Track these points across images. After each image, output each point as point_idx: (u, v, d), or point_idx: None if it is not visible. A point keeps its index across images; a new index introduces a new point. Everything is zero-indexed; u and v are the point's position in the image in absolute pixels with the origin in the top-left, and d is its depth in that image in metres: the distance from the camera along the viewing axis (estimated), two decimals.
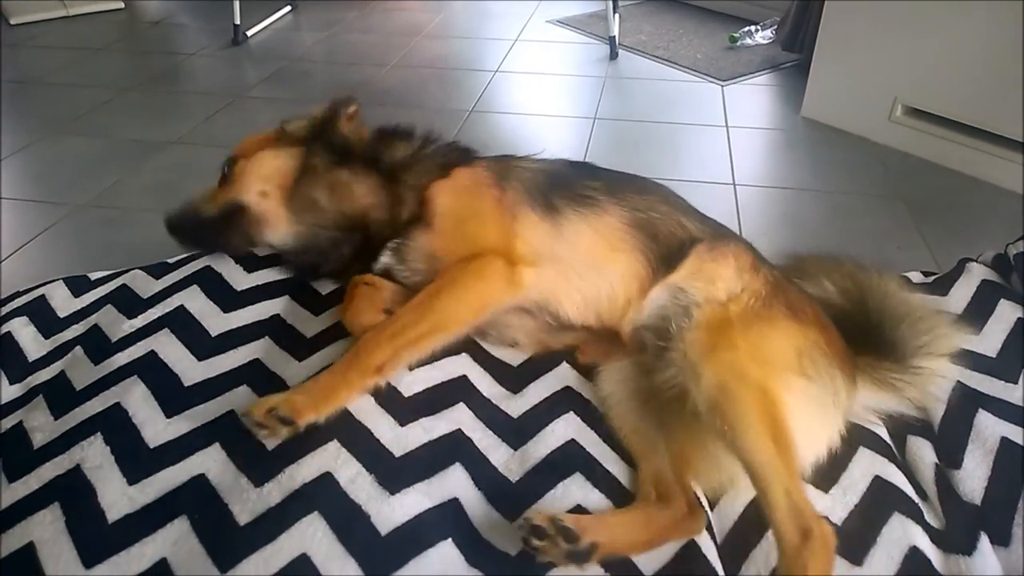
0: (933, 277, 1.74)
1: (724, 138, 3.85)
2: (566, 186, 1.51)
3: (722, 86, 4.44)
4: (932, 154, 3.53)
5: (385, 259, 1.50)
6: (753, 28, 4.89)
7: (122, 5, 5.98)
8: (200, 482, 1.15)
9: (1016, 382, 1.40)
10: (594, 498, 1.21)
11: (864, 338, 1.39)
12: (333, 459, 1.18)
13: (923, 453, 1.32)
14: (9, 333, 1.55)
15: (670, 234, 1.46)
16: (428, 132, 1.67)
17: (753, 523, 1.25)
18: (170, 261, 1.70)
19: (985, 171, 3.36)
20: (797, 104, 4.10)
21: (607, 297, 1.44)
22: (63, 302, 1.66)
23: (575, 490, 1.21)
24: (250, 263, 1.62)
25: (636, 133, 4.03)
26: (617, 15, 4.85)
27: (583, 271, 1.43)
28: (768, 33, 4.85)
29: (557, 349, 1.50)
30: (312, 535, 1.06)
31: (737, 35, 4.88)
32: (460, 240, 1.42)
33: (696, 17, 5.38)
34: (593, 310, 1.44)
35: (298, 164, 1.56)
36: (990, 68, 3.25)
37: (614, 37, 4.83)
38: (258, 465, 1.17)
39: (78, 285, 1.71)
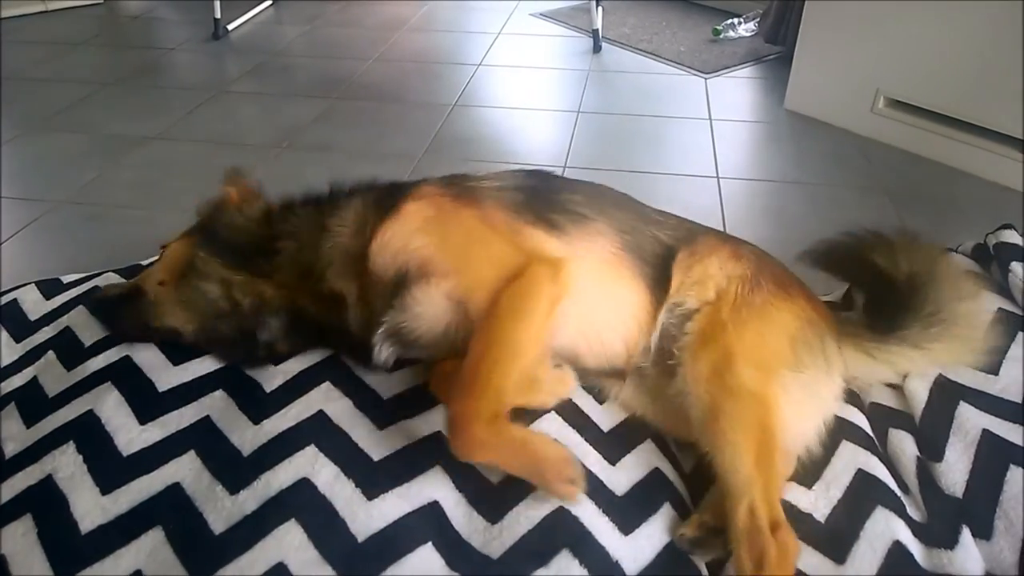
0: None
1: (708, 131, 3.85)
2: (549, 201, 1.43)
3: (705, 79, 4.43)
4: (914, 145, 3.55)
5: (384, 354, 1.33)
6: (736, 21, 4.89)
7: (101, 0, 5.93)
8: (175, 491, 1.13)
9: (997, 373, 1.39)
10: None
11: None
12: (310, 464, 1.17)
13: (905, 446, 1.32)
14: None
15: (653, 253, 1.43)
16: (329, 185, 1.51)
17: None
18: (143, 263, 1.68)
19: (967, 162, 3.38)
20: (780, 96, 4.11)
21: (622, 337, 1.38)
22: (34, 305, 1.64)
23: None
24: None
25: (620, 126, 4.03)
26: (600, 8, 4.84)
27: (597, 305, 1.37)
28: (751, 26, 4.85)
29: None
30: (289, 543, 1.05)
31: (720, 28, 4.88)
32: (479, 268, 1.28)
33: (679, 10, 5.37)
34: (607, 356, 1.38)
35: (188, 257, 1.43)
36: (971, 60, 3.26)
37: (597, 30, 4.82)
38: (234, 472, 1.16)
39: (50, 288, 1.69)
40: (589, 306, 1.35)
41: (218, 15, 5.14)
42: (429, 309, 1.27)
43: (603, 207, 1.46)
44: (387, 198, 1.38)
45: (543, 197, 1.43)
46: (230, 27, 5.24)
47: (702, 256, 1.44)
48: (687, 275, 1.41)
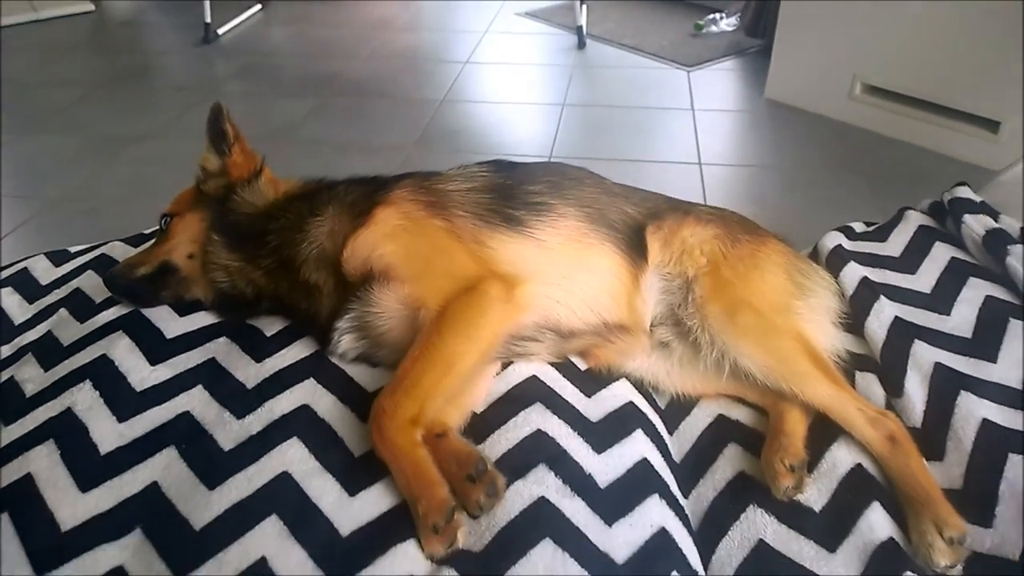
0: (874, 226, 1.83)
1: (690, 121, 3.95)
2: (512, 197, 1.48)
3: (688, 71, 4.54)
4: (889, 129, 3.66)
5: (345, 342, 1.36)
6: (718, 15, 5.00)
7: (92, 7, 6.00)
8: (186, 417, 1.22)
9: (949, 314, 1.49)
10: None
11: None
12: (309, 394, 1.26)
13: (872, 388, 1.40)
14: None
15: (622, 223, 1.52)
16: (318, 180, 1.59)
17: (708, 446, 1.35)
18: (147, 232, 1.76)
19: (940, 143, 3.49)
20: (760, 87, 4.21)
21: (606, 292, 1.43)
22: (44, 272, 1.71)
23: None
24: None
25: (604, 118, 4.12)
26: (584, 5, 4.95)
27: (570, 274, 1.42)
28: (733, 20, 4.96)
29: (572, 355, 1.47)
30: (292, 456, 1.14)
31: (702, 23, 4.99)
32: (436, 277, 1.33)
33: (662, 6, 5.48)
34: (592, 308, 1.42)
35: (205, 235, 1.50)
36: (945, 45, 3.37)
37: (581, 27, 4.92)
38: (239, 401, 1.25)
39: (59, 257, 1.77)
40: (560, 278, 1.41)
41: (208, 19, 5.23)
42: (387, 310, 1.33)
43: (562, 189, 1.53)
44: (362, 201, 1.45)
45: (505, 193, 1.48)
46: (220, 31, 5.33)
47: (673, 229, 1.53)
48: (668, 247, 1.51)
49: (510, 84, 4.68)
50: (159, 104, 4.49)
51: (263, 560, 1.01)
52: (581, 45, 4.92)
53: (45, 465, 1.13)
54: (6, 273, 1.72)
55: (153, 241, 1.59)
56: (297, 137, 3.97)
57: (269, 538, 1.03)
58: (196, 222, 1.52)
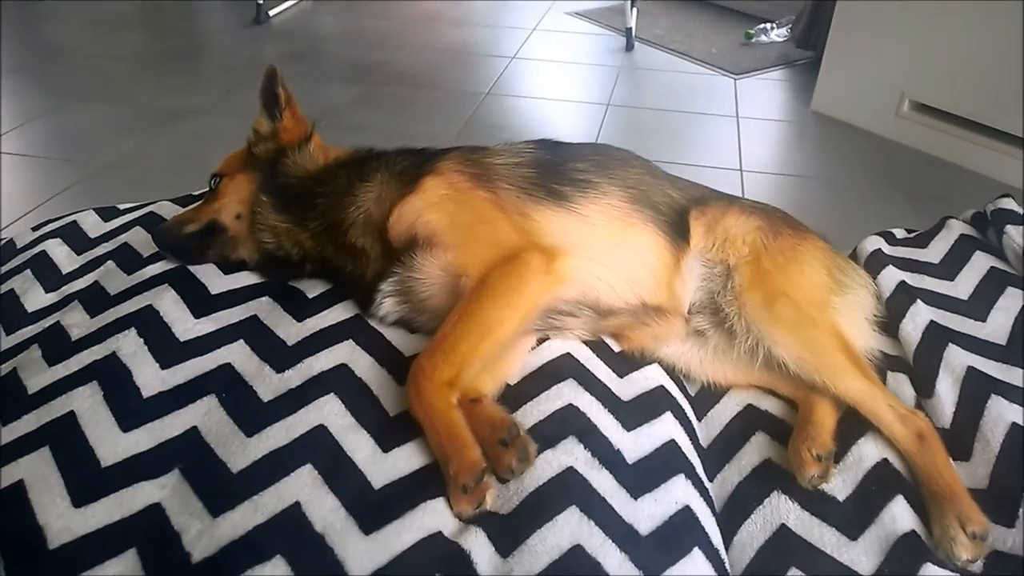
0: (915, 233, 1.83)
1: (734, 128, 3.95)
2: (557, 173, 1.50)
3: (735, 79, 4.53)
4: (936, 149, 3.61)
5: (387, 305, 1.40)
6: (768, 25, 4.98)
7: None
8: (227, 368, 1.25)
9: (985, 320, 1.49)
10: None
11: None
12: (348, 354, 1.29)
13: (903, 387, 1.41)
14: (44, 251, 1.65)
15: (666, 205, 1.53)
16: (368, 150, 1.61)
17: (736, 433, 1.36)
18: (195, 193, 1.80)
19: (987, 167, 3.44)
20: (808, 99, 4.19)
21: (647, 271, 1.45)
22: (94, 226, 1.75)
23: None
24: None
25: (648, 120, 4.13)
26: (635, 9, 4.95)
27: (611, 251, 1.44)
28: (783, 31, 4.94)
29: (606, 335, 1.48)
30: (329, 411, 1.16)
31: (753, 32, 4.97)
32: (479, 246, 1.36)
33: (713, 14, 5.47)
34: (632, 287, 1.43)
35: (255, 196, 1.53)
36: (998, 65, 3.33)
37: (631, 29, 4.92)
38: (279, 356, 1.28)
39: (108, 213, 1.81)
40: (601, 254, 1.43)
41: (260, 1, 5.29)
42: (429, 276, 1.36)
43: (607, 168, 1.55)
44: (410, 170, 1.48)
45: (550, 169, 1.51)
46: (271, 13, 5.39)
47: (717, 217, 1.54)
48: (711, 233, 1.52)
49: (556, 81, 4.70)
50: (207, 82, 4.56)
51: (297, 505, 1.03)
52: (629, 47, 4.92)
53: (88, 405, 1.16)
54: (55, 225, 1.77)
55: (202, 200, 1.63)
56: (341, 123, 4.00)
57: (303, 485, 1.06)
58: (245, 183, 1.55)
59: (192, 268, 1.47)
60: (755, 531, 1.17)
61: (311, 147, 1.58)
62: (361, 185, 1.47)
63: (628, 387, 1.35)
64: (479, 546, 1.02)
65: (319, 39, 5.28)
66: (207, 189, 1.63)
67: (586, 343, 1.42)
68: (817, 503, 1.19)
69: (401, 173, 1.48)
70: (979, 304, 1.53)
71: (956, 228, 1.76)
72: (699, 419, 1.41)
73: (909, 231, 1.85)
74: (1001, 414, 1.27)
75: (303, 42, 5.16)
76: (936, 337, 1.43)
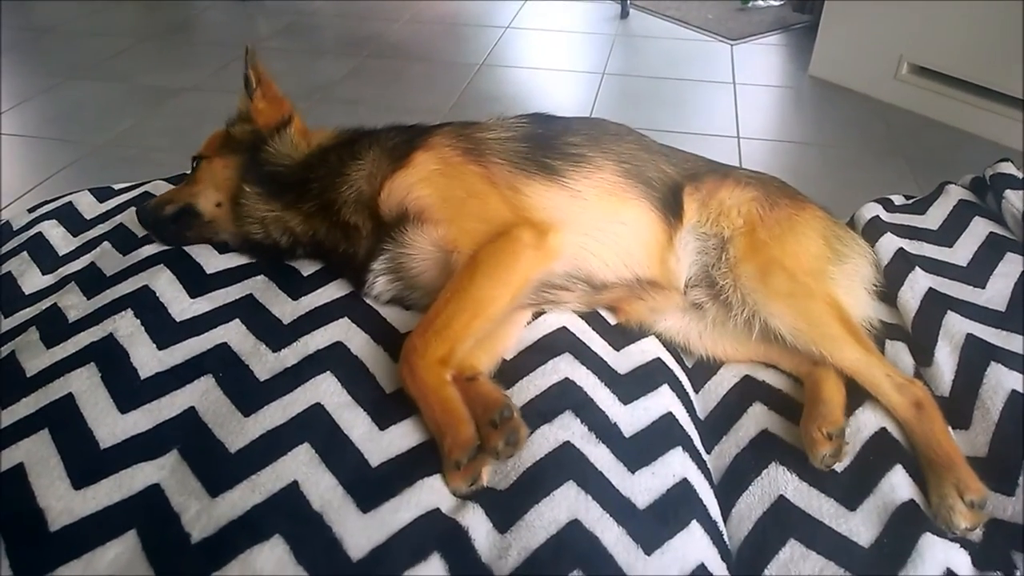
0: (913, 199, 1.82)
1: (731, 95, 3.92)
2: (549, 147, 1.49)
3: (732, 45, 4.49)
4: (936, 111, 3.59)
5: (380, 284, 1.40)
6: None
7: None
8: (223, 348, 1.25)
9: (984, 287, 1.48)
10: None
11: None
12: (344, 332, 1.29)
13: (901, 356, 1.41)
14: (40, 232, 1.65)
15: (659, 180, 1.52)
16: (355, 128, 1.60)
17: (733, 404, 1.36)
18: (187, 173, 1.79)
19: (986, 128, 3.42)
20: (805, 63, 4.16)
21: (639, 245, 1.44)
22: (89, 207, 1.75)
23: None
24: None
25: (643, 88, 4.10)
26: None
27: (604, 225, 1.43)
28: None
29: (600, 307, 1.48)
30: (326, 389, 1.17)
31: None
32: (470, 221, 1.36)
33: None
34: (625, 262, 1.43)
35: (237, 185, 1.51)
36: (994, 26, 3.30)
37: None
38: (275, 335, 1.28)
39: (103, 193, 1.81)
40: (593, 228, 1.43)
41: None
42: (420, 252, 1.36)
43: (601, 142, 1.54)
44: (401, 146, 1.47)
45: (542, 143, 1.50)
46: None
47: (711, 190, 1.54)
48: (705, 208, 1.51)
49: (550, 51, 4.66)
50: (200, 58, 4.53)
51: (295, 484, 1.04)
52: (624, 15, 4.88)
53: (86, 387, 1.16)
54: (51, 206, 1.77)
55: (183, 183, 1.62)
56: (334, 96, 3.98)
57: (301, 464, 1.06)
58: (222, 168, 1.54)
59: (187, 248, 1.47)
60: (753, 503, 1.17)
61: (291, 132, 1.56)
62: (353, 163, 1.46)
63: (625, 360, 1.35)
64: (477, 522, 1.03)
65: (311, 13, 5.23)
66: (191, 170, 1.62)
67: (582, 316, 1.42)
68: (816, 474, 1.19)
69: (392, 149, 1.47)
70: (978, 270, 1.52)
71: (955, 194, 1.75)
72: (696, 391, 1.41)
73: (907, 197, 1.84)
74: (1001, 381, 1.27)
75: (295, 16, 5.12)
76: (935, 304, 1.42)
